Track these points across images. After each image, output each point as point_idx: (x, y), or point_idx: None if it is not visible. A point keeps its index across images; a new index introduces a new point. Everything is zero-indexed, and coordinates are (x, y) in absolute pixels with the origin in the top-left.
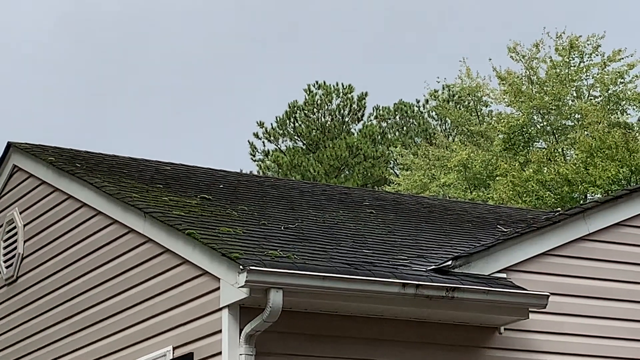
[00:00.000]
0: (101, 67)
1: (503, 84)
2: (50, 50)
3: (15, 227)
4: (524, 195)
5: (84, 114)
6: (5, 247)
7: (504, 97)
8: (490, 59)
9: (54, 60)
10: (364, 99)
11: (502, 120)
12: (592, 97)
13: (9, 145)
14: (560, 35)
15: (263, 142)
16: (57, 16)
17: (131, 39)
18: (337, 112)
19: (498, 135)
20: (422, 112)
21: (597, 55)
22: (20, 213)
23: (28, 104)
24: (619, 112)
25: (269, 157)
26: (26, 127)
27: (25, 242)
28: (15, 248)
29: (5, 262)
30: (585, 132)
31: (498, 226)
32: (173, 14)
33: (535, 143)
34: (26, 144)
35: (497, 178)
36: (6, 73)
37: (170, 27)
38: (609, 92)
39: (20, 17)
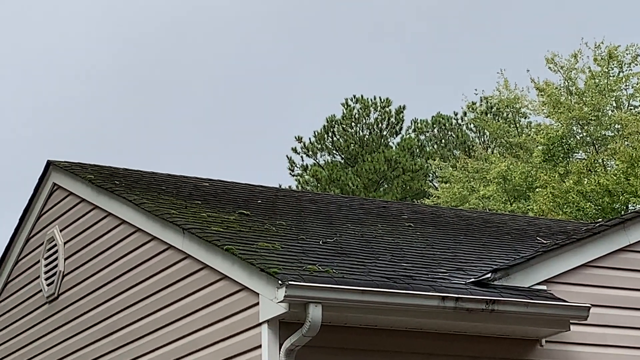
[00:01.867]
0: (140, 83)
1: (541, 95)
2: (92, 68)
3: (55, 245)
4: (564, 206)
5: (123, 130)
6: (46, 265)
7: (543, 108)
8: (529, 70)
9: (95, 78)
10: (402, 112)
11: (541, 132)
12: (632, 107)
13: (49, 163)
14: (599, 45)
15: (301, 157)
16: (98, 35)
17: (171, 54)
18: (375, 126)
19: (537, 146)
20: (460, 125)
21: (637, 64)
22: (61, 231)
23: (68, 122)
24: None
25: (308, 171)
26: (66, 145)
27: (65, 259)
28: (56, 266)
29: (46, 279)
30: (626, 142)
31: (538, 238)
32: (213, 29)
33: (575, 154)
34: (65, 162)
35: (537, 190)
36: (49, 91)
37: (209, 42)
38: None
39: (62, 36)
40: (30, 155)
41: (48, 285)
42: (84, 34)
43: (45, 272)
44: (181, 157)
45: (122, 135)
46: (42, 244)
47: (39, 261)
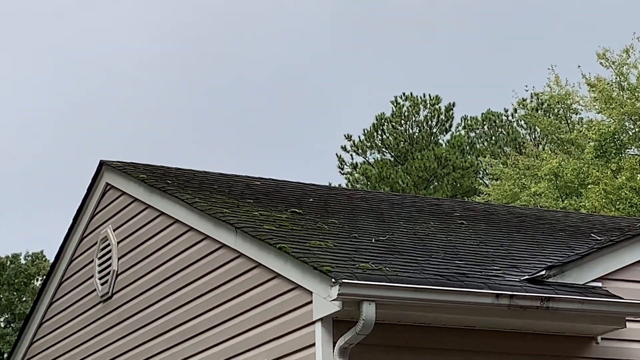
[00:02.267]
0: (191, 82)
1: (593, 91)
2: (142, 67)
3: (109, 245)
4: (617, 203)
5: (174, 130)
6: (100, 265)
7: (594, 104)
8: (580, 66)
9: (146, 77)
10: (452, 109)
11: (593, 128)
12: None
13: (102, 163)
14: None
15: (351, 155)
16: (149, 33)
17: (222, 53)
18: (424, 123)
19: (589, 142)
20: (510, 121)
21: None
22: (114, 230)
23: (120, 121)
24: None
25: (357, 169)
26: (122, 146)
27: (119, 258)
28: (109, 265)
29: (100, 279)
30: None
31: (592, 235)
32: (264, 27)
33: (627, 150)
34: (118, 162)
35: (589, 186)
36: (108, 94)
37: (260, 40)
38: None
39: (123, 42)
40: (84, 155)
41: (102, 284)
42: (135, 32)
43: (99, 272)
44: (232, 156)
45: (173, 135)
46: (95, 243)
47: (92, 260)
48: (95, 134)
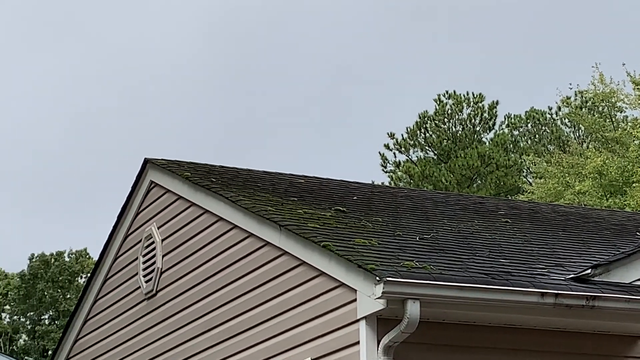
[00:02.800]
0: (233, 81)
1: (638, 89)
2: (187, 65)
3: (153, 242)
4: None
5: (218, 128)
6: (144, 262)
7: (639, 102)
8: (624, 64)
9: (190, 76)
10: (495, 107)
11: (637, 126)
12: None
13: (146, 161)
14: None
15: (394, 153)
16: (193, 32)
17: (265, 52)
18: (468, 122)
19: (634, 141)
20: (554, 120)
21: None
22: (158, 228)
23: (169, 119)
24: None
25: (400, 168)
26: (166, 144)
27: (163, 256)
28: (154, 262)
29: (144, 276)
30: None
31: (638, 233)
32: (307, 27)
33: None
34: (162, 159)
35: (634, 185)
36: (154, 92)
37: (303, 41)
38: None
39: (168, 39)
40: (130, 153)
41: (146, 282)
42: (179, 29)
43: (144, 269)
44: (275, 155)
45: (216, 133)
46: (140, 241)
47: (137, 258)
48: (141, 132)
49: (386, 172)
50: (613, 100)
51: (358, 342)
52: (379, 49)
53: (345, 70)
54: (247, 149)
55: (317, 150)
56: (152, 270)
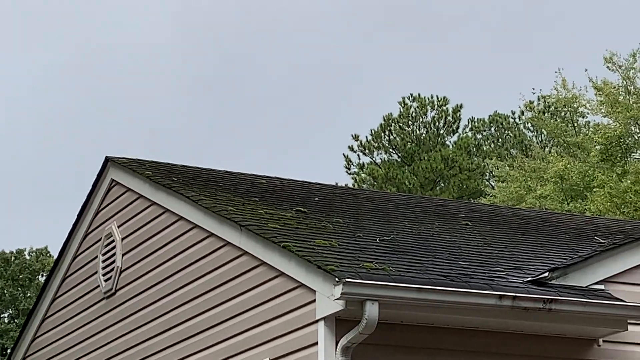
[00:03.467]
0: (197, 81)
1: (599, 94)
2: (158, 64)
3: (113, 241)
4: (622, 206)
5: (181, 128)
6: (104, 261)
7: (601, 107)
8: (587, 70)
9: (162, 78)
10: (459, 110)
11: (599, 131)
12: None
13: (107, 160)
14: None
15: (358, 155)
16: (171, 28)
17: (231, 54)
18: (432, 125)
19: (595, 146)
20: (517, 124)
21: None
22: (119, 227)
23: (134, 118)
24: None
25: (364, 170)
26: (130, 142)
27: (123, 255)
28: (113, 261)
29: (104, 275)
30: None
31: (595, 237)
32: (273, 30)
33: (632, 154)
34: (123, 158)
35: (595, 189)
36: (115, 89)
37: (268, 42)
38: None
39: (133, 36)
40: (90, 151)
41: (105, 280)
42: (146, 26)
43: (103, 268)
44: (239, 154)
45: (179, 132)
46: (100, 239)
47: (96, 257)
48: (105, 130)
49: (350, 173)
50: (575, 105)
51: (316, 343)
52: (345, 52)
53: (311, 72)
54: (210, 149)
55: (281, 151)
56: (112, 269)
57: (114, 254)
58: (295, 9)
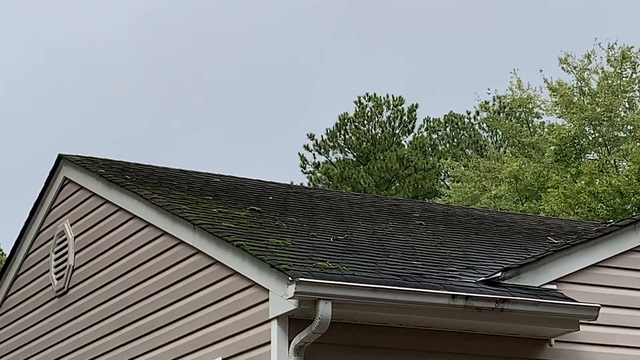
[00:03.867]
0: (151, 78)
1: (554, 95)
2: (108, 62)
3: (66, 239)
4: (576, 207)
5: (136, 126)
6: (56, 259)
7: (555, 108)
8: (542, 71)
9: (110, 73)
10: (415, 110)
11: (553, 132)
12: None
13: (60, 157)
14: (612, 46)
15: (313, 154)
16: (126, 26)
17: (186, 51)
18: (387, 124)
19: (549, 146)
20: (472, 124)
21: None
22: (71, 225)
23: (88, 115)
24: None
25: (320, 169)
26: (80, 140)
27: (75, 253)
28: (66, 260)
29: (56, 273)
30: (638, 144)
31: (549, 238)
32: (228, 27)
33: (587, 154)
34: (76, 156)
35: (549, 190)
36: (70, 86)
37: (224, 40)
38: None
39: (91, 33)
40: (42, 149)
41: (58, 279)
42: (104, 23)
43: (55, 266)
44: (193, 153)
45: (135, 132)
46: (52, 238)
47: (48, 255)
48: (59, 127)
49: (305, 173)
50: (530, 106)
51: (269, 342)
52: (301, 51)
53: (267, 71)
54: (164, 147)
55: (236, 150)
56: (64, 268)
57: (66, 252)
58: (253, 8)
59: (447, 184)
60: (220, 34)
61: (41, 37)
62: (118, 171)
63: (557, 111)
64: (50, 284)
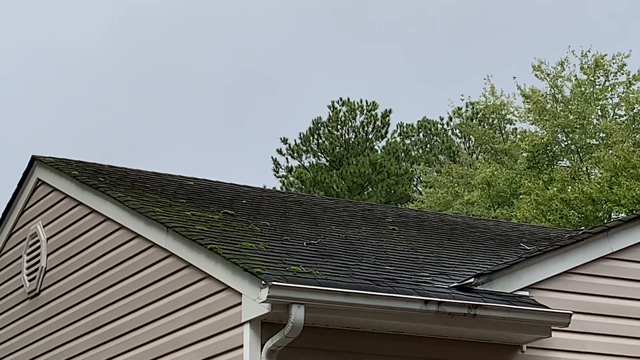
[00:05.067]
0: (126, 82)
1: (527, 102)
2: (83, 63)
3: (38, 241)
4: (548, 213)
5: (112, 129)
6: (28, 261)
7: (529, 115)
8: (515, 77)
9: (86, 74)
10: (388, 115)
11: (526, 139)
12: (617, 116)
13: (33, 158)
14: (586, 53)
15: (286, 159)
16: (103, 28)
17: (159, 56)
18: (360, 129)
19: (522, 153)
20: (445, 130)
21: (623, 74)
22: (44, 226)
23: (63, 117)
24: None
25: (292, 173)
26: (54, 142)
27: (48, 255)
28: (38, 261)
29: (28, 275)
30: (610, 151)
31: (521, 244)
32: (198, 33)
33: (559, 161)
34: (50, 157)
35: (521, 196)
36: (38, 85)
37: (195, 45)
38: (634, 111)
39: (65, 29)
40: (16, 150)
41: (30, 280)
42: (78, 22)
43: (28, 268)
44: (167, 156)
45: (110, 134)
46: (24, 239)
47: (21, 257)
48: (30, 129)
49: (278, 177)
50: (503, 112)
51: (242, 346)
52: (272, 54)
53: (240, 74)
54: (138, 151)
55: (210, 153)
56: (36, 269)
57: (38, 254)
58: (226, 11)
59: (420, 189)
60: (196, 38)
61: (15, 39)
62: (91, 173)
63: (530, 118)
64: (23, 286)
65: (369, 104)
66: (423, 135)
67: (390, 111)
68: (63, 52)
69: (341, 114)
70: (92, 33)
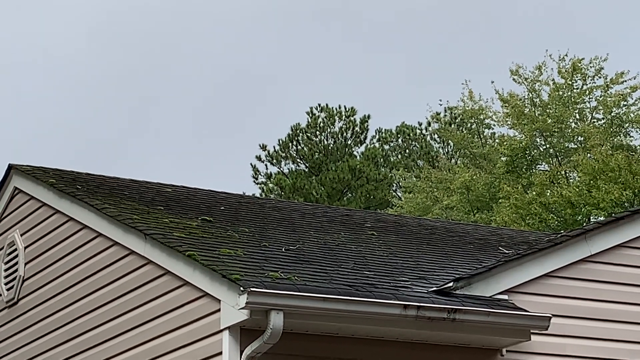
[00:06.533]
0: (117, 87)
1: (505, 106)
2: (59, 68)
3: (16, 250)
4: (527, 217)
5: (90, 135)
6: (6, 270)
7: (507, 119)
8: (493, 82)
9: (65, 79)
10: (367, 121)
11: (504, 143)
12: (594, 120)
13: (10, 167)
14: (563, 57)
15: (265, 165)
16: (85, 34)
17: (139, 62)
18: (339, 135)
19: (501, 157)
20: (424, 135)
21: (600, 77)
22: (21, 235)
23: (41, 124)
24: (621, 135)
25: (272, 179)
26: (30, 149)
27: (26, 264)
28: (16, 270)
29: (5, 284)
30: (588, 155)
31: (500, 248)
32: (176, 38)
33: (538, 165)
34: (27, 166)
35: (500, 200)
36: (16, 92)
37: (174, 51)
38: (612, 114)
39: (46, 35)
40: None
41: (8, 289)
42: (60, 26)
43: (5, 277)
44: (146, 163)
45: (87, 141)
46: (2, 248)
47: None
48: (7, 137)
49: (257, 183)
50: (481, 117)
51: (221, 353)
52: (253, 59)
53: (218, 81)
54: (117, 157)
55: (187, 160)
56: (14, 278)
57: (16, 263)
58: (204, 16)
59: (399, 194)
60: (174, 43)
61: None
62: (69, 181)
63: (509, 122)
64: (0, 295)
65: (347, 109)
66: (402, 140)
67: (369, 117)
68: (42, 57)
69: (320, 120)
70: (71, 39)
